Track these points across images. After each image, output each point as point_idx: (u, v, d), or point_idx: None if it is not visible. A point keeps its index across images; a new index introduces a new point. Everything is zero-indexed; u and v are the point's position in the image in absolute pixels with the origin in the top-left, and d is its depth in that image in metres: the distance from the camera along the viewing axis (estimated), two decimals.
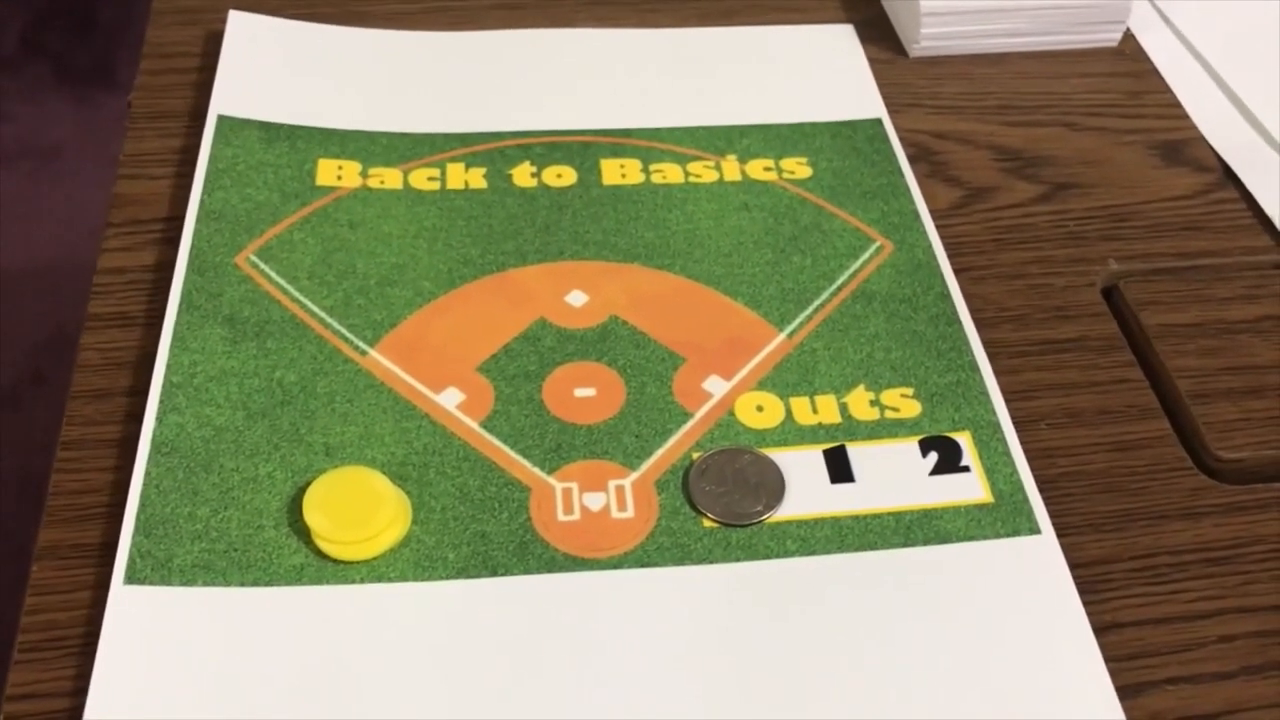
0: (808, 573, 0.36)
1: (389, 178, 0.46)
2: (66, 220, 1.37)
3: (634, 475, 0.38)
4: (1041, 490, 0.38)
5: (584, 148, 0.48)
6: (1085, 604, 0.35)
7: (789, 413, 0.40)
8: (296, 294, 0.42)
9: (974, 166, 0.50)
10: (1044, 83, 0.54)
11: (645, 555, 0.36)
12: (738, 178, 0.48)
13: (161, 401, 0.38)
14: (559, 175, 0.47)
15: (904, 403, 0.40)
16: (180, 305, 0.41)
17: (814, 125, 0.50)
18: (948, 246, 0.46)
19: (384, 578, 0.35)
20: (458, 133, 0.49)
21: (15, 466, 1.14)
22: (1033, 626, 0.35)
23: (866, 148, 0.49)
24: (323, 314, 0.41)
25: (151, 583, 0.34)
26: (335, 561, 0.35)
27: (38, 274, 1.31)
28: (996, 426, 0.39)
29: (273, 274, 0.42)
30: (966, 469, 0.38)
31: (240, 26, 0.52)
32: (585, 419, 0.39)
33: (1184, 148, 0.51)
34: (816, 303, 0.43)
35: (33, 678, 0.33)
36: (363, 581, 0.35)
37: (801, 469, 0.38)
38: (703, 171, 0.48)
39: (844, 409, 0.40)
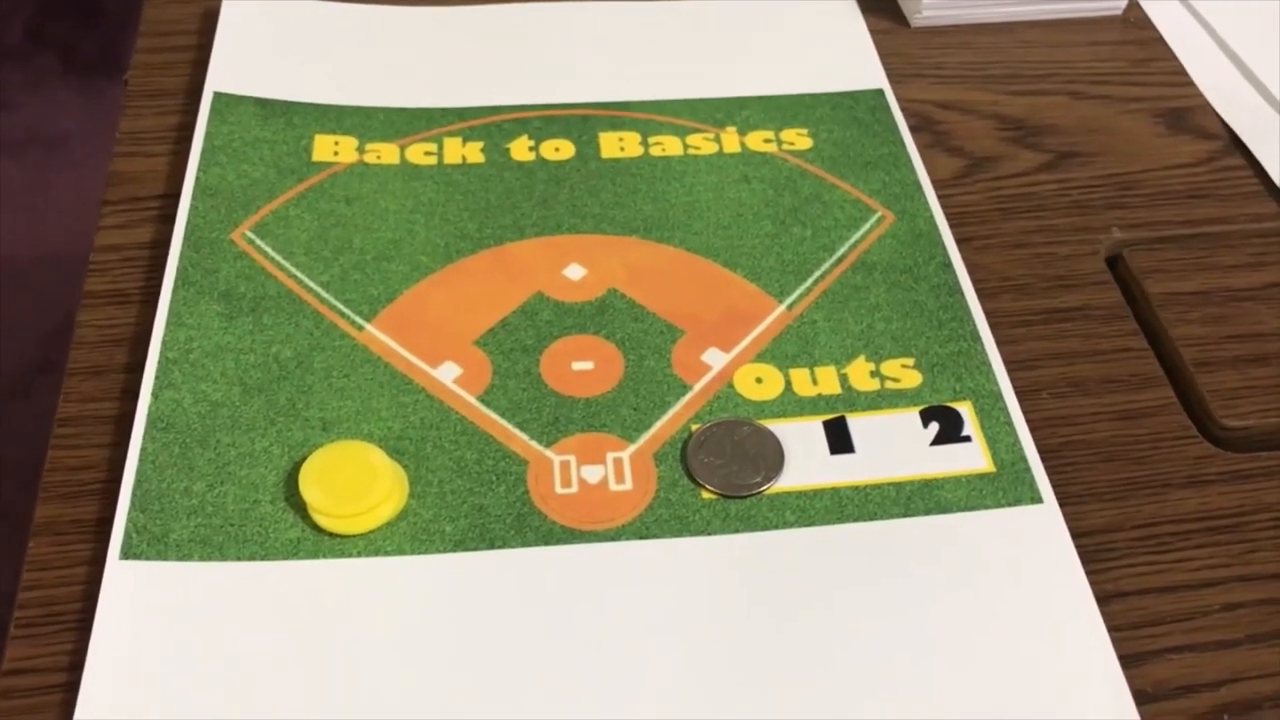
0: (807, 544, 0.35)
1: (385, 153, 0.46)
2: (73, 209, 1.37)
3: (632, 448, 0.37)
4: (1044, 459, 0.38)
5: (582, 121, 0.48)
6: (1088, 573, 0.35)
7: (788, 384, 0.39)
8: (293, 269, 0.42)
9: (976, 136, 0.49)
10: (1047, 51, 0.53)
11: (644, 527, 0.36)
12: (737, 149, 0.47)
13: (157, 377, 0.38)
14: (557, 149, 0.47)
15: (905, 373, 0.40)
16: (176, 281, 0.41)
17: (814, 96, 0.50)
18: (950, 216, 0.46)
19: (381, 551, 0.35)
20: (454, 107, 0.48)
21: (26, 454, 1.14)
22: (1035, 596, 0.34)
23: (868, 118, 0.49)
24: (319, 289, 0.41)
25: (147, 558, 0.34)
26: (332, 535, 0.35)
27: (45, 263, 1.31)
28: (998, 396, 0.39)
29: (269, 250, 0.42)
30: (968, 439, 0.38)
31: (236, 3, 0.51)
32: (583, 392, 0.39)
33: (1189, 115, 0.51)
34: (817, 274, 0.43)
35: (30, 652, 0.33)
36: (360, 555, 0.35)
37: (801, 440, 0.38)
38: (702, 144, 0.47)
39: (844, 380, 0.39)
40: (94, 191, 1.39)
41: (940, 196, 0.46)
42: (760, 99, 0.49)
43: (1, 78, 1.52)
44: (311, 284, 0.41)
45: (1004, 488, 0.37)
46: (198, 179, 0.44)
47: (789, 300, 0.42)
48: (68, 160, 1.42)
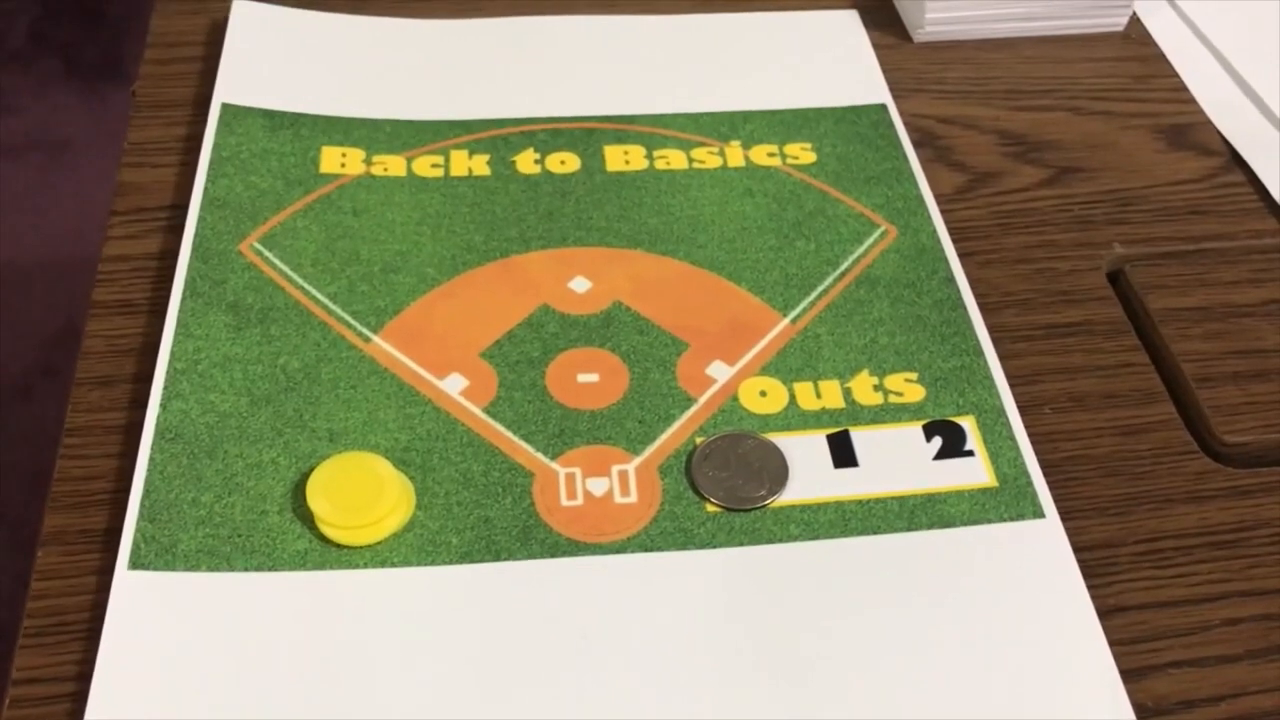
0: (811, 557, 0.36)
1: (392, 165, 0.46)
2: (76, 213, 1.37)
3: (637, 460, 0.38)
4: (1046, 474, 0.38)
5: (587, 134, 0.48)
6: (1089, 587, 0.35)
7: (792, 398, 0.40)
8: (300, 281, 0.42)
9: (979, 151, 0.49)
10: (1049, 67, 0.54)
11: (648, 540, 0.36)
12: (741, 164, 0.48)
13: (166, 388, 0.38)
14: (562, 162, 0.47)
15: (908, 387, 0.40)
16: (184, 292, 0.41)
17: (818, 111, 0.50)
18: (952, 231, 0.46)
19: (388, 563, 0.35)
20: (461, 120, 0.49)
21: (27, 458, 1.14)
22: (1037, 610, 0.35)
23: (871, 133, 0.49)
24: (326, 301, 0.41)
25: (155, 568, 0.34)
26: (339, 547, 0.35)
27: (48, 267, 1.31)
28: (1001, 411, 0.39)
29: (276, 261, 0.43)
30: (970, 453, 0.38)
31: (244, 15, 0.52)
32: (588, 404, 0.39)
33: (1190, 131, 0.51)
34: (820, 288, 0.43)
35: (38, 662, 0.33)
36: (366, 566, 0.35)
37: (805, 453, 0.38)
38: (706, 157, 0.48)
39: (847, 394, 0.40)
40: (96, 196, 1.39)
41: (943, 211, 0.47)
42: (764, 113, 0.50)
43: (4, 81, 1.52)
44: (319, 295, 0.42)
45: (1006, 502, 0.37)
46: (206, 190, 0.45)
47: (793, 314, 0.42)
48: (70, 164, 1.43)
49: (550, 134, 0.48)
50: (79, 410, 0.38)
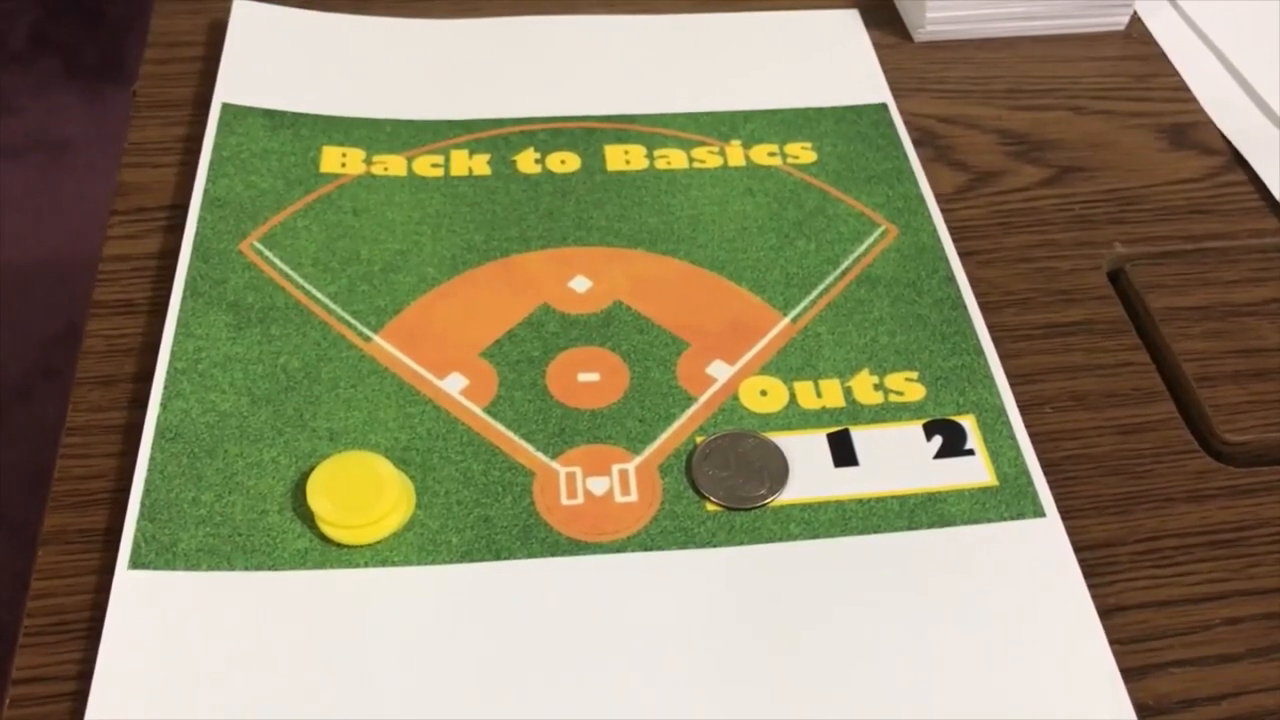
0: (811, 556, 0.36)
1: (393, 164, 0.46)
2: (76, 214, 1.37)
3: (637, 459, 0.38)
4: (1046, 473, 0.38)
5: (588, 134, 0.48)
6: (1090, 587, 0.35)
7: (793, 397, 0.40)
8: (300, 280, 0.42)
9: (980, 150, 0.49)
10: (1050, 66, 0.54)
11: (648, 539, 0.36)
12: (742, 163, 0.48)
13: (166, 387, 0.38)
14: (563, 161, 0.47)
15: (908, 386, 0.40)
16: (185, 292, 0.41)
17: (819, 110, 0.50)
18: (953, 230, 0.46)
19: (388, 562, 0.35)
20: (461, 119, 0.49)
21: (27, 459, 1.14)
22: (1037, 609, 0.34)
23: (871, 132, 0.49)
24: (327, 300, 0.41)
25: (156, 567, 0.34)
26: (339, 546, 0.35)
27: (48, 268, 1.31)
28: (1001, 410, 0.39)
29: (277, 260, 0.43)
30: (971, 452, 0.38)
31: (244, 15, 0.52)
32: (589, 404, 0.39)
33: (1191, 131, 0.51)
34: (821, 287, 0.43)
35: (39, 661, 0.33)
36: (366, 566, 0.35)
37: (805, 452, 0.38)
38: (707, 157, 0.48)
39: (848, 393, 0.40)
40: (97, 197, 1.39)
41: (943, 210, 0.47)
42: (765, 113, 0.50)
43: (4, 81, 1.52)
44: (319, 295, 0.42)
45: (1007, 501, 0.37)
46: (206, 190, 0.45)
47: (793, 313, 0.42)
48: (70, 164, 1.43)
49: (550, 134, 0.48)
50: (79, 410, 0.38)
